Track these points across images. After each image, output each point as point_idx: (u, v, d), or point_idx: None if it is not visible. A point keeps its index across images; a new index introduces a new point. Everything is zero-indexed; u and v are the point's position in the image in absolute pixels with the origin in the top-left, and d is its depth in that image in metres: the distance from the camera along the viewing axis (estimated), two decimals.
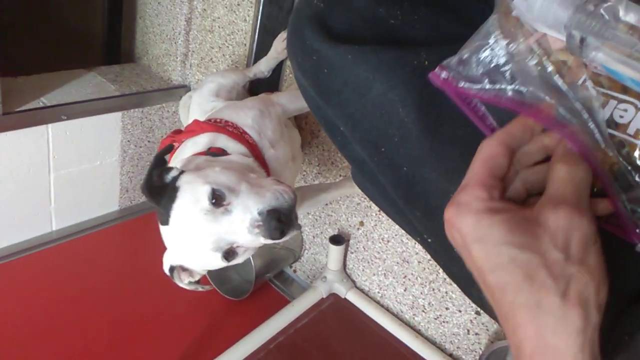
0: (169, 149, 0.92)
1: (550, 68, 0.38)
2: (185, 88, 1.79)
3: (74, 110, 1.53)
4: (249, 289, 1.43)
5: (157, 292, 1.49)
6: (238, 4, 1.55)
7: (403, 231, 1.38)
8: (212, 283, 1.52)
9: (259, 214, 0.75)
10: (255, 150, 0.99)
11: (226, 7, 1.59)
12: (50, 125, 1.48)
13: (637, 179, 0.37)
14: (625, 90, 0.36)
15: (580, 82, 0.37)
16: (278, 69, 1.49)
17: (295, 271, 1.65)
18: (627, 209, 0.39)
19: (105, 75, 1.73)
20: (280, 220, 0.74)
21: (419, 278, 1.36)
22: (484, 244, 0.36)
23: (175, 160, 0.94)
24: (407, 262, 1.37)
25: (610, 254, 0.42)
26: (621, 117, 0.37)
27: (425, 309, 1.38)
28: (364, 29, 0.56)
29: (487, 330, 1.27)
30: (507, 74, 0.40)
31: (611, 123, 0.38)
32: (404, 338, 1.39)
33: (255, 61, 1.51)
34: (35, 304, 1.38)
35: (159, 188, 0.80)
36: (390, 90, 0.51)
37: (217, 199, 0.76)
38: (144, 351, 1.31)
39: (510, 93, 0.40)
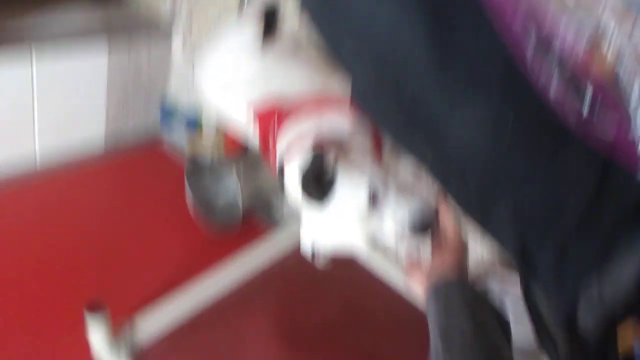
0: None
1: None
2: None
3: (60, 47, 1.50)
4: (239, 220, 1.45)
5: (142, 227, 1.50)
6: None
7: None
8: (200, 213, 1.54)
9: None
10: None
11: None
12: (34, 61, 1.46)
13: None
14: None
15: None
16: None
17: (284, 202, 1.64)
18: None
19: (93, 12, 1.68)
20: None
21: None
22: None
23: None
24: None
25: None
26: None
27: None
28: None
29: None
30: None
31: None
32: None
33: None
34: (21, 238, 1.38)
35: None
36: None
37: None
38: (129, 281, 1.32)
39: None
